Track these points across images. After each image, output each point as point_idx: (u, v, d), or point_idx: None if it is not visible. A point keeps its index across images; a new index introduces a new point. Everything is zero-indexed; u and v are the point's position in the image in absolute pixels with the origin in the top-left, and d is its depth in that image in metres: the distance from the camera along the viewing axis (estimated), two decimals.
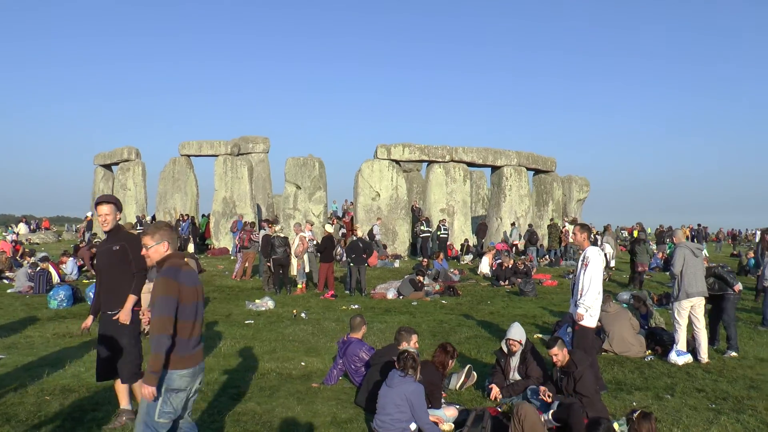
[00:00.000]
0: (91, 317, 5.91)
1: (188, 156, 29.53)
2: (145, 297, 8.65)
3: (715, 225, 53.91)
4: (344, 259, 18.29)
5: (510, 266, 18.21)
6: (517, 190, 27.34)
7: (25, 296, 14.49)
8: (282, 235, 16.06)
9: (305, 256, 16.56)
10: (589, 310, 7.17)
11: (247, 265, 18.27)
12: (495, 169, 27.88)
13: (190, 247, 24.75)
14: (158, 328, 3.99)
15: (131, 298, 5.69)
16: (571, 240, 23.80)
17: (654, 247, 25.44)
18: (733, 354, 9.17)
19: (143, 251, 4.32)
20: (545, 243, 26.19)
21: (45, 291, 14.56)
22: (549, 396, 6.16)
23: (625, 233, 42.47)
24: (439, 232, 24.07)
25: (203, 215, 29.71)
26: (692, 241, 28.81)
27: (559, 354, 6.36)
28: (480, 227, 27.13)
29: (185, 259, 4.43)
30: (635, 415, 4.30)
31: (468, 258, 24.31)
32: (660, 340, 9.29)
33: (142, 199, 29.78)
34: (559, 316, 12.14)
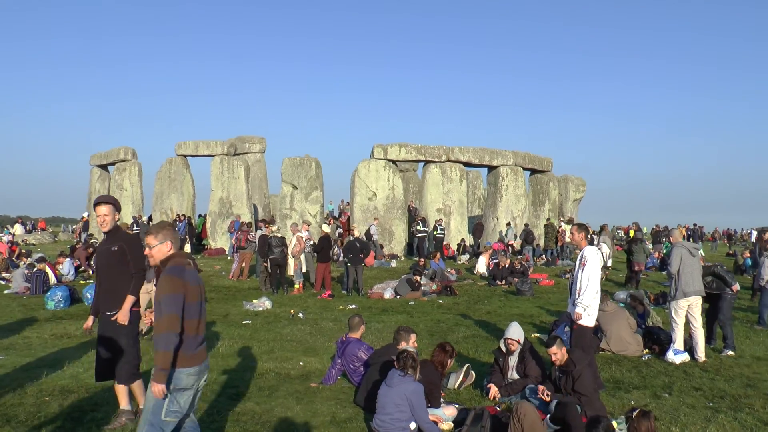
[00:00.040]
0: (91, 318, 5.91)
1: (184, 156, 29.51)
2: (144, 297, 8.67)
3: (710, 225, 54.07)
4: (341, 259, 18.31)
5: (507, 266, 18.26)
6: (513, 189, 27.41)
7: (22, 297, 14.46)
8: (279, 235, 16.07)
9: (302, 256, 16.59)
10: (587, 310, 7.21)
11: (244, 265, 18.28)
12: (491, 169, 27.94)
13: (187, 248, 24.70)
14: (167, 326, 4.01)
15: (129, 299, 5.69)
16: (568, 239, 23.85)
17: (650, 246, 25.50)
18: (730, 353, 9.21)
19: (146, 251, 4.33)
20: (542, 243, 26.24)
21: (42, 292, 14.54)
22: (548, 395, 6.18)
23: (621, 233, 42.57)
24: (435, 232, 24.11)
25: (200, 215, 29.68)
26: (688, 240, 28.89)
27: (558, 353, 6.39)
28: (476, 227, 27.17)
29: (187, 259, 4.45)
30: (634, 413, 4.32)
31: (464, 258, 24.35)
32: (657, 339, 9.32)
33: (138, 199, 29.74)
34: (556, 315, 12.18)
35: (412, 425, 5.35)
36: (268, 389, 7.14)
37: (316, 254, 16.18)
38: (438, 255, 19.87)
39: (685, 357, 8.71)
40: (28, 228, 39.65)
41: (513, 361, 7.15)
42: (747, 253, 22.58)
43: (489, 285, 17.75)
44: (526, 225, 25.86)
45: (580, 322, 7.25)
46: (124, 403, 5.82)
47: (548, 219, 27.63)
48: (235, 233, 18.88)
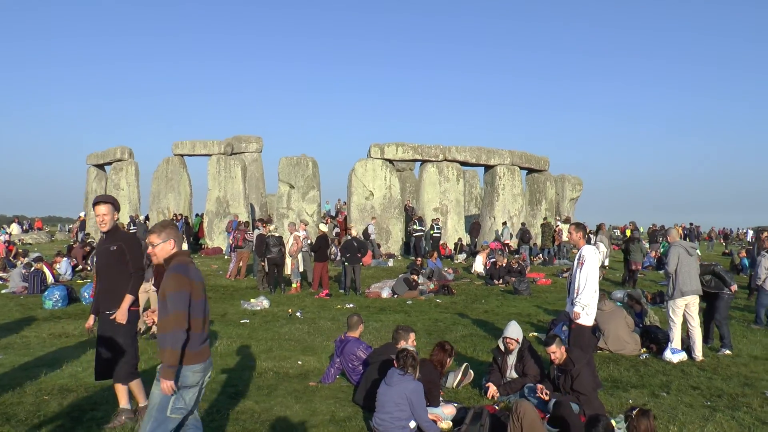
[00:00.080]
0: (92, 317, 5.91)
1: (181, 156, 29.50)
2: (142, 297, 8.67)
3: (706, 224, 54.16)
4: (338, 258, 18.31)
5: (504, 265, 18.28)
6: (510, 189, 27.43)
7: (20, 297, 14.45)
8: (276, 234, 16.08)
9: (299, 256, 16.59)
10: (586, 309, 7.23)
11: (241, 264, 18.29)
12: (488, 168, 27.97)
13: (184, 247, 24.68)
14: (174, 324, 4.05)
15: (128, 298, 5.70)
16: (565, 238, 23.89)
17: (647, 245, 25.56)
18: (727, 352, 9.24)
19: (149, 249, 4.35)
20: (538, 242, 26.27)
21: (39, 291, 14.55)
22: (546, 394, 6.21)
23: (618, 232, 42.63)
24: (432, 232, 24.12)
25: (197, 215, 29.68)
26: (684, 240, 28.94)
27: (557, 352, 6.41)
28: (473, 226, 27.19)
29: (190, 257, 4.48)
30: (634, 412, 4.34)
31: (461, 257, 24.37)
32: (655, 339, 9.35)
33: (135, 198, 29.72)
34: (554, 314, 12.20)
35: (412, 424, 5.36)
36: (267, 388, 7.15)
37: (313, 253, 16.19)
38: (435, 254, 19.89)
39: (683, 356, 8.73)
40: (24, 227, 39.61)
41: (512, 360, 7.17)
42: (743, 253, 22.65)
43: (486, 284, 17.77)
44: (523, 224, 25.88)
45: (578, 321, 7.28)
46: (123, 402, 5.83)
47: (545, 218, 27.65)
48: (233, 232, 18.87)
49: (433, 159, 26.28)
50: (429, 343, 9.49)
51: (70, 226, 40.88)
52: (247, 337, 10.06)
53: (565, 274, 19.19)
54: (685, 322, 8.96)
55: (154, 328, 10.06)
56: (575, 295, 7.30)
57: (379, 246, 23.98)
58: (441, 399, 6.36)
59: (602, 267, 19.84)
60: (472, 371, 7.59)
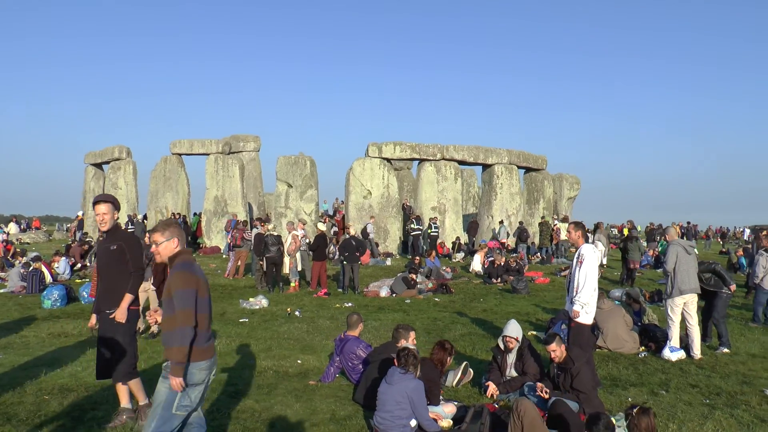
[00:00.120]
0: (94, 316, 5.91)
1: (179, 155, 29.50)
2: (141, 296, 8.67)
3: (703, 223, 54.23)
4: (337, 257, 18.32)
5: (502, 264, 18.30)
6: (508, 188, 27.45)
7: (18, 296, 14.43)
8: (275, 233, 16.08)
9: (297, 255, 16.61)
10: (585, 307, 7.26)
11: (239, 263, 18.29)
12: (486, 167, 27.98)
13: None
14: (182, 321, 4.08)
15: (127, 297, 5.70)
16: (563, 237, 23.92)
17: (645, 244, 25.59)
18: (726, 350, 9.26)
19: (153, 248, 4.37)
20: (536, 241, 26.29)
21: (38, 291, 14.53)
22: (546, 392, 6.23)
23: (616, 231, 42.66)
24: (430, 230, 24.13)
25: (194, 214, 29.68)
26: (682, 238, 28.90)
27: (557, 350, 6.42)
28: (471, 225, 27.20)
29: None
30: (634, 410, 4.36)
31: (460, 256, 24.39)
32: (653, 337, 9.37)
33: (133, 198, 29.72)
34: (552, 313, 12.23)
35: (413, 422, 5.37)
36: (267, 387, 7.16)
37: (311, 253, 16.19)
38: (433, 253, 19.91)
39: (681, 354, 8.76)
40: (22, 227, 39.52)
41: (511, 358, 7.18)
42: (740, 252, 22.67)
43: (484, 283, 17.79)
44: (521, 223, 25.89)
45: (577, 319, 7.30)
46: (124, 402, 5.83)
47: (543, 217, 27.67)
48: (231, 231, 18.88)
49: (431, 158, 26.29)
50: (428, 341, 9.51)
51: (68, 225, 40.83)
52: (247, 336, 10.07)
53: (563, 273, 19.22)
54: (683, 321, 8.99)
55: (154, 328, 10.11)
56: (574, 294, 7.32)
57: (377, 245, 23.99)
58: (441, 397, 6.37)
59: (600, 266, 19.84)
60: (471, 370, 7.60)
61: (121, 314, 5.63)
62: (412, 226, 23.96)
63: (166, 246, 4.34)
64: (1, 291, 15.12)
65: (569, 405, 5.71)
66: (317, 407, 6.42)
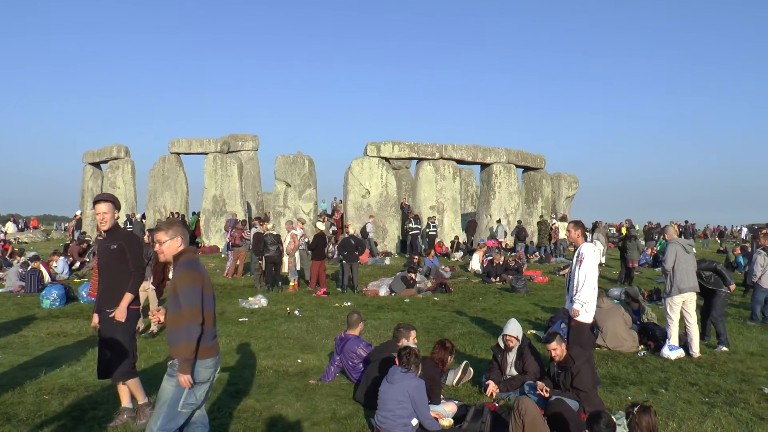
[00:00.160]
0: (96, 316, 5.90)
1: (178, 154, 29.50)
2: (141, 295, 8.67)
3: (700, 221, 54.34)
4: (336, 256, 18.32)
5: (501, 263, 18.32)
6: (506, 187, 27.48)
7: (17, 296, 14.43)
8: (275, 232, 16.09)
9: (296, 254, 16.61)
10: (585, 306, 7.27)
11: (238, 263, 18.29)
12: (484, 166, 28.00)
13: None
14: (189, 318, 4.10)
15: (127, 296, 5.69)
16: (562, 236, 23.94)
17: (643, 243, 25.64)
18: (724, 349, 9.28)
19: (157, 247, 4.38)
20: (535, 240, 26.33)
21: (36, 290, 14.52)
22: (546, 391, 6.24)
23: (614, 230, 42.74)
24: (428, 230, 24.15)
25: (193, 213, 29.66)
26: (680, 237, 28.98)
27: (558, 349, 6.44)
28: (470, 224, 27.23)
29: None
30: (635, 409, 4.37)
31: (458, 255, 24.41)
32: (652, 336, 9.39)
33: (131, 197, 29.71)
34: (551, 312, 12.25)
35: (414, 421, 5.38)
36: (267, 386, 7.16)
37: (310, 252, 16.20)
38: (432, 252, 19.93)
39: (680, 353, 8.77)
40: (20, 226, 39.49)
41: (511, 357, 7.19)
42: (738, 250, 22.73)
43: (483, 282, 17.81)
44: (519, 222, 25.93)
45: (577, 318, 7.31)
46: (125, 401, 5.83)
47: (541, 216, 27.71)
48: (230, 231, 18.88)
49: (430, 157, 26.30)
50: (428, 341, 9.53)
51: (66, 224, 40.81)
52: (246, 336, 10.07)
53: (561, 272, 19.25)
54: (682, 319, 9.00)
55: (154, 327, 10.11)
56: (574, 293, 7.33)
57: (376, 244, 24.01)
58: (442, 396, 6.38)
59: (599, 265, 19.90)
60: (471, 369, 7.62)
61: (120, 313, 5.63)
62: (411, 225, 23.97)
63: (169, 245, 4.36)
64: (0, 290, 15.10)
65: (569, 404, 5.73)
66: (318, 406, 6.42)
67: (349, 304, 13.61)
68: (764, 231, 12.69)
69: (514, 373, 7.10)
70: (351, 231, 16.76)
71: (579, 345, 6.97)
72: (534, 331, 10.62)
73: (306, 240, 17.23)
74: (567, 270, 18.00)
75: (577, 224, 7.83)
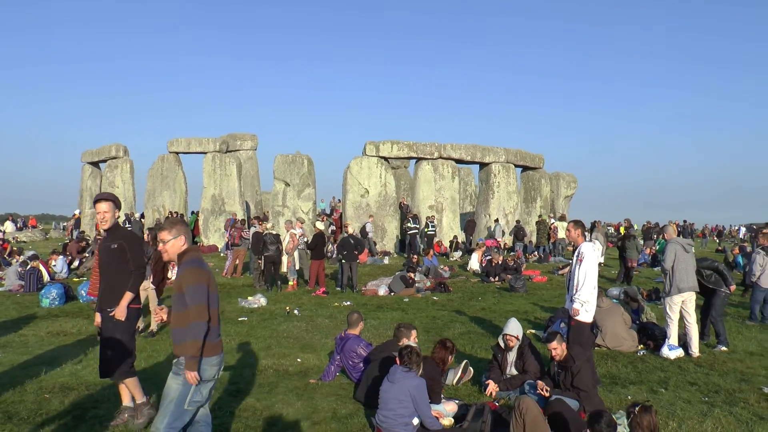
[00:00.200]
0: (98, 315, 5.90)
1: (177, 153, 29.48)
2: (141, 295, 8.68)
3: (698, 221, 54.42)
4: (335, 256, 18.32)
5: (500, 263, 18.33)
6: (505, 186, 27.49)
7: (16, 295, 14.43)
8: (274, 232, 16.09)
9: (295, 253, 16.61)
10: (585, 305, 7.28)
11: (237, 262, 18.29)
12: (483, 165, 28.01)
13: None
14: (196, 316, 4.13)
15: (127, 295, 5.69)
16: (561, 236, 23.95)
17: (642, 243, 25.66)
18: (723, 348, 9.29)
19: (160, 246, 4.39)
20: (533, 239, 26.34)
21: (36, 289, 14.52)
22: (546, 390, 6.25)
23: (612, 230, 42.77)
24: (426, 229, 24.15)
25: (192, 212, 29.65)
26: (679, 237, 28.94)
27: (558, 348, 6.44)
28: (468, 224, 27.25)
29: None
30: (636, 408, 4.37)
31: (457, 255, 24.42)
32: (652, 335, 9.40)
33: (130, 196, 29.69)
34: (550, 311, 12.26)
35: (415, 421, 5.39)
36: (267, 386, 7.17)
37: (309, 251, 16.20)
38: (431, 252, 19.94)
39: (680, 352, 8.78)
40: (18, 225, 39.45)
41: (512, 357, 7.20)
42: (736, 250, 22.74)
43: (482, 281, 17.81)
44: (518, 222, 25.95)
45: (577, 317, 7.32)
46: (126, 400, 5.83)
47: (540, 216, 27.74)
48: (229, 230, 18.89)
49: (428, 156, 26.30)
50: (427, 340, 9.55)
51: (65, 223, 40.79)
52: (246, 335, 10.07)
53: (560, 272, 19.27)
54: (681, 319, 9.01)
55: (153, 326, 10.11)
56: (574, 292, 7.34)
57: (375, 244, 24.01)
58: (442, 396, 6.39)
59: (598, 264, 19.91)
60: (471, 368, 7.62)
61: (120, 312, 5.63)
62: (409, 224, 23.97)
63: (173, 244, 4.37)
64: None
65: (568, 403, 5.74)
66: (318, 406, 6.43)
67: (348, 303, 13.61)
68: (765, 231, 12.70)
69: (514, 372, 7.11)
70: (350, 230, 16.76)
71: (579, 344, 6.99)
72: (533, 331, 10.63)
73: (305, 239, 17.23)
74: (566, 270, 18.05)
75: (577, 224, 7.83)
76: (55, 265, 17.36)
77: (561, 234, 24.12)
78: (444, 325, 11.19)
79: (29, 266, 15.38)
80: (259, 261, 15.93)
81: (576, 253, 7.56)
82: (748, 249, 22.59)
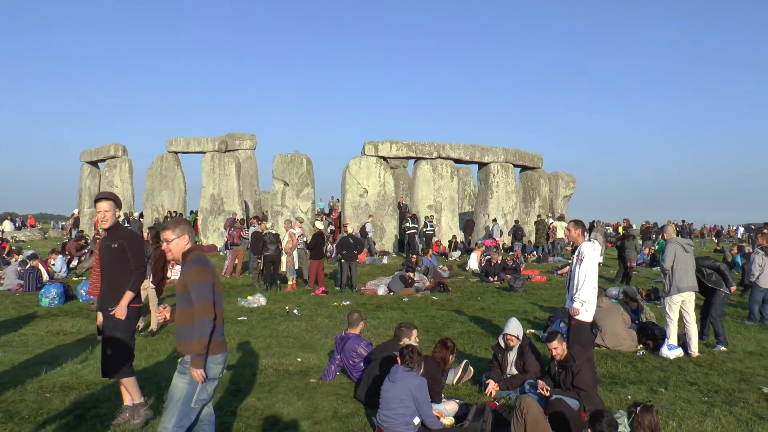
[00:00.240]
0: (100, 314, 5.90)
1: (175, 153, 29.50)
2: (141, 294, 8.69)
3: (697, 220, 54.50)
4: (334, 255, 18.30)
5: (499, 262, 18.34)
6: (504, 186, 27.51)
7: (15, 294, 14.42)
8: (274, 231, 16.10)
9: (294, 253, 16.61)
10: (585, 305, 7.29)
11: (237, 261, 18.29)
12: (482, 165, 28.03)
13: None
14: (201, 314, 4.14)
15: (128, 294, 5.69)
16: (561, 236, 23.97)
17: (640, 242, 25.69)
18: (723, 348, 9.29)
19: (164, 245, 4.40)
20: (532, 239, 26.35)
21: (35, 289, 14.52)
22: (547, 390, 6.26)
23: (610, 229, 42.78)
24: (425, 229, 24.16)
25: (191, 212, 29.66)
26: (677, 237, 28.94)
27: (559, 348, 6.45)
28: (467, 224, 27.26)
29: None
30: (638, 408, 4.38)
31: (456, 254, 24.43)
32: (651, 335, 9.41)
33: (129, 196, 29.69)
34: (550, 311, 12.27)
35: (416, 420, 5.39)
36: (268, 385, 7.17)
37: (308, 251, 16.20)
38: (430, 252, 19.95)
39: (679, 352, 8.79)
40: (17, 225, 39.41)
41: (512, 356, 7.21)
42: (735, 250, 22.77)
43: (481, 281, 17.81)
44: (516, 221, 25.96)
45: (577, 317, 7.33)
46: (127, 400, 5.83)
47: (539, 215, 27.76)
48: (228, 229, 18.90)
49: (427, 156, 26.32)
50: (427, 339, 9.56)
51: (63, 223, 40.74)
52: (246, 335, 10.08)
53: (560, 272, 19.28)
54: (681, 319, 9.02)
55: (153, 326, 10.11)
56: (575, 291, 7.35)
57: (374, 243, 24.02)
58: (443, 395, 6.40)
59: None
60: (471, 368, 7.63)
61: (120, 311, 5.63)
62: (408, 224, 23.97)
63: (177, 243, 4.38)
64: None
65: (568, 403, 5.75)
66: (319, 405, 6.43)
67: (347, 303, 13.62)
68: (765, 231, 12.72)
69: (515, 372, 7.12)
70: (349, 230, 16.76)
71: (579, 344, 6.99)
72: (533, 330, 10.63)
73: (304, 239, 17.23)
74: (566, 269, 18.06)
75: (577, 223, 7.84)
76: (54, 265, 17.34)
77: (560, 234, 24.13)
78: (443, 325, 11.20)
79: (28, 265, 15.38)
80: (259, 260, 15.93)
81: (576, 253, 7.56)
82: (747, 249, 22.61)
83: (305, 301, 13.82)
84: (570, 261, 8.02)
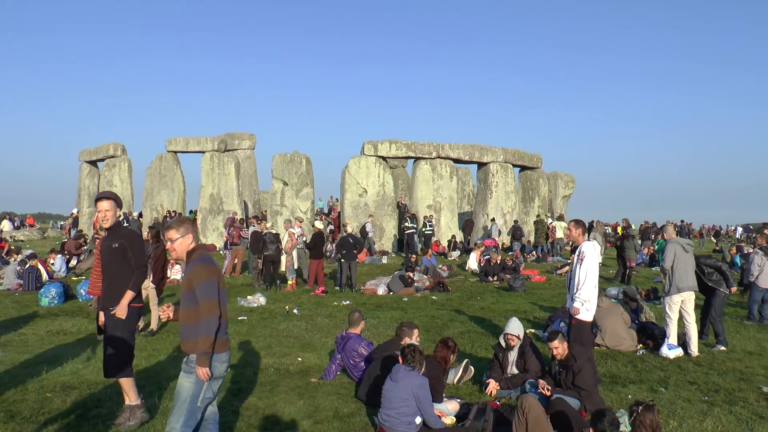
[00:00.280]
0: (102, 314, 5.90)
1: (175, 152, 29.49)
2: (142, 293, 8.70)
3: (696, 220, 54.57)
4: (333, 255, 18.30)
5: (498, 262, 18.35)
6: (503, 186, 27.53)
7: (15, 294, 14.41)
8: (274, 231, 16.10)
9: (294, 253, 16.61)
10: (586, 304, 7.30)
11: (236, 261, 18.30)
12: (481, 165, 28.05)
13: None
14: (207, 312, 4.16)
15: (128, 294, 5.69)
16: (560, 236, 24.00)
17: (639, 242, 25.72)
18: (722, 348, 9.31)
19: (168, 245, 4.40)
20: (532, 239, 26.38)
21: (35, 288, 14.52)
22: (548, 389, 6.27)
23: (609, 229, 42.81)
24: (424, 229, 24.17)
25: (190, 211, 29.65)
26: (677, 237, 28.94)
27: (560, 347, 6.46)
28: (466, 223, 27.28)
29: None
30: (640, 408, 4.39)
31: (455, 254, 24.45)
32: (651, 335, 9.42)
33: (128, 195, 29.68)
34: (549, 311, 12.29)
35: (418, 419, 5.40)
36: (269, 384, 7.18)
37: (308, 251, 16.20)
38: (430, 251, 19.96)
39: (679, 352, 8.80)
40: (16, 224, 39.38)
41: (513, 356, 7.22)
42: (734, 250, 22.81)
43: (481, 281, 17.82)
44: (516, 221, 25.98)
45: (578, 316, 7.34)
46: (128, 399, 5.84)
47: (538, 215, 27.78)
48: (228, 229, 18.91)
49: (427, 156, 26.34)
50: (427, 339, 9.56)
51: (62, 222, 40.72)
52: (246, 334, 10.08)
53: (559, 271, 19.30)
54: (681, 318, 9.03)
55: (153, 326, 10.12)
56: (575, 291, 7.36)
57: (374, 243, 24.03)
58: (444, 395, 6.41)
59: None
60: (472, 367, 7.64)
61: (120, 310, 5.63)
62: (407, 224, 23.98)
63: (181, 242, 4.39)
64: None
65: (569, 402, 5.76)
66: (320, 404, 6.44)
67: (347, 302, 13.62)
68: (765, 231, 12.72)
69: (515, 371, 7.12)
70: (349, 230, 16.77)
71: (580, 343, 7.00)
72: (533, 330, 10.64)
73: (304, 239, 17.23)
74: (566, 269, 18.09)
75: (578, 223, 7.85)
76: (53, 264, 17.34)
77: (559, 234, 24.16)
78: (443, 325, 11.21)
79: (28, 265, 15.38)
80: (258, 260, 15.94)
81: (577, 253, 7.57)
82: (746, 249, 22.65)
83: (305, 301, 13.82)
84: (570, 261, 8.02)
